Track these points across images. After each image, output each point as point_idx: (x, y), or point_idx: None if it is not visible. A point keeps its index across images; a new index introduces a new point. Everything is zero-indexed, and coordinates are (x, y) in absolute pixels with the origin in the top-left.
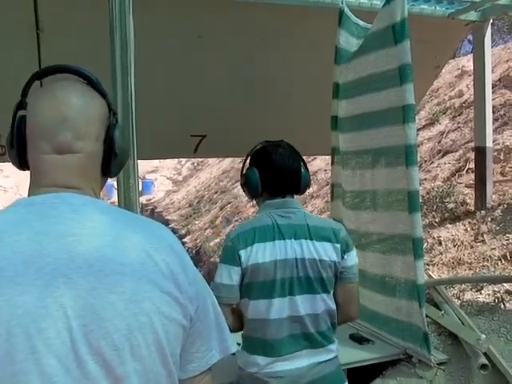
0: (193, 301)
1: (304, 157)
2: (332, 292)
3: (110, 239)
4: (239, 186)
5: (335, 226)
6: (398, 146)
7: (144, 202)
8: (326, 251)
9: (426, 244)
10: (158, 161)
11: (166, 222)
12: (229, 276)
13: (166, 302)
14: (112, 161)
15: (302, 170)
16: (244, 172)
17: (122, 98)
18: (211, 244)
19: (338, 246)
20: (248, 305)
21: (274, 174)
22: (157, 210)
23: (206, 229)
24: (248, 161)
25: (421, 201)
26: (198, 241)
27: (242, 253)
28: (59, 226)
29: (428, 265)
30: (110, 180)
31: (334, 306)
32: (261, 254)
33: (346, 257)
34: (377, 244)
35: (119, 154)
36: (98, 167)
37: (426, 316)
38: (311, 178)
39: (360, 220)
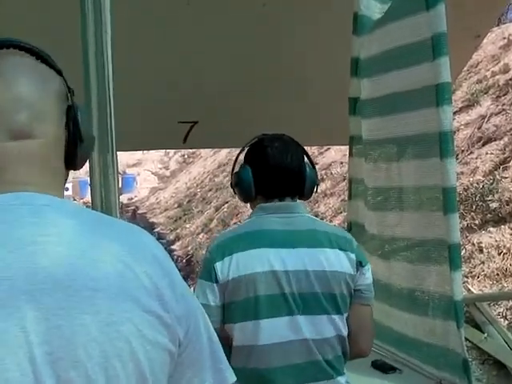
0: (182, 321)
1: (316, 147)
2: (346, 315)
3: (80, 248)
4: None
5: (347, 236)
6: (430, 134)
7: (124, 201)
8: (340, 261)
9: (463, 251)
10: (141, 153)
11: (151, 226)
12: (203, 294)
13: (150, 323)
14: (78, 148)
15: (307, 169)
16: (235, 170)
17: (97, 76)
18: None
19: (353, 256)
20: (233, 329)
21: (270, 172)
22: (139, 212)
23: (199, 234)
24: (242, 157)
25: (457, 199)
26: (190, 248)
27: (218, 265)
28: (17, 232)
29: (467, 277)
30: (83, 176)
31: (345, 332)
32: (242, 264)
33: (362, 271)
34: (404, 251)
35: (85, 139)
36: (62, 157)
37: (466, 339)
38: (324, 172)
39: (384, 223)
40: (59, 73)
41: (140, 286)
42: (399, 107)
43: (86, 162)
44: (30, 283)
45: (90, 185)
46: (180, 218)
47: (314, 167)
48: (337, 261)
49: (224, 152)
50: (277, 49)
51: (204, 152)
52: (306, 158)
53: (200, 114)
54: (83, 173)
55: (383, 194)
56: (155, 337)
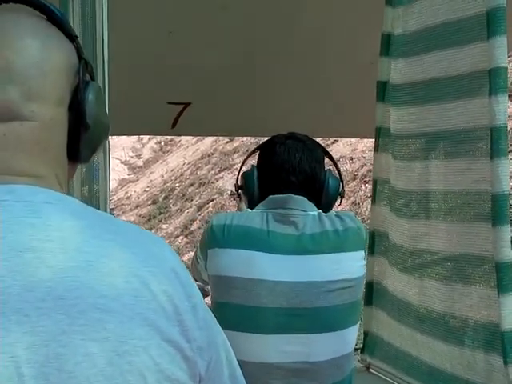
0: (203, 353)
1: (320, 139)
2: (354, 326)
3: (87, 258)
4: (226, 177)
5: (359, 224)
6: (479, 129)
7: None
8: (351, 264)
9: None
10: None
11: None
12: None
13: (169, 355)
14: (81, 137)
15: (326, 175)
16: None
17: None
18: (185, 259)
19: (362, 252)
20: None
21: (274, 173)
22: None
23: (178, 236)
24: (249, 159)
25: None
26: None
27: (210, 253)
28: (11, 235)
29: None
30: None
31: (346, 351)
32: (235, 264)
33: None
34: (437, 267)
35: (92, 126)
36: (63, 146)
37: None
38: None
39: (416, 233)
40: (72, 39)
41: (159, 308)
42: (441, 95)
43: (93, 154)
44: (25, 300)
45: None
46: (154, 217)
47: (340, 175)
48: (346, 265)
49: (209, 140)
50: (291, 19)
51: (185, 139)
52: (330, 166)
53: (194, 95)
54: None
55: (417, 199)
56: (174, 372)
